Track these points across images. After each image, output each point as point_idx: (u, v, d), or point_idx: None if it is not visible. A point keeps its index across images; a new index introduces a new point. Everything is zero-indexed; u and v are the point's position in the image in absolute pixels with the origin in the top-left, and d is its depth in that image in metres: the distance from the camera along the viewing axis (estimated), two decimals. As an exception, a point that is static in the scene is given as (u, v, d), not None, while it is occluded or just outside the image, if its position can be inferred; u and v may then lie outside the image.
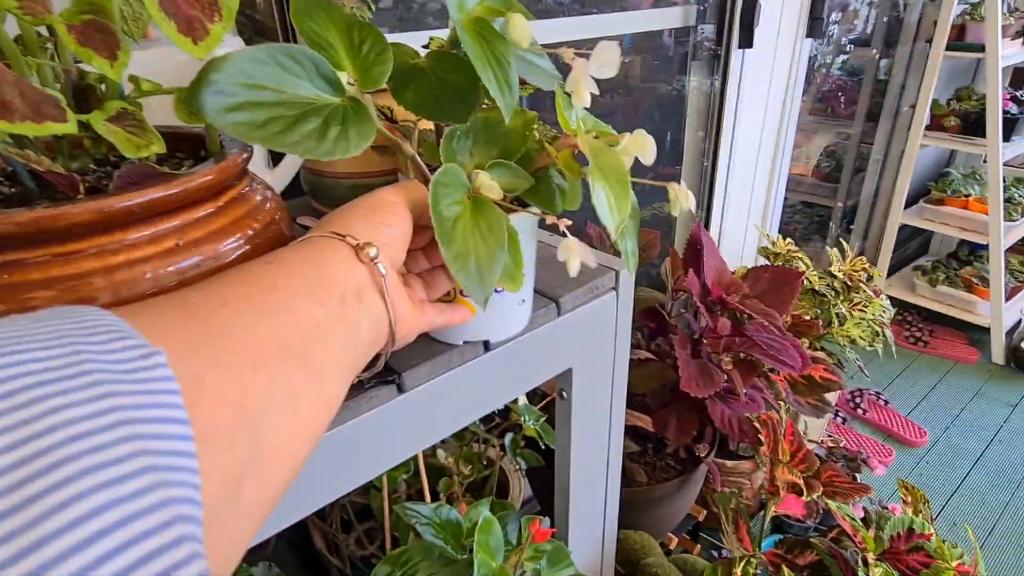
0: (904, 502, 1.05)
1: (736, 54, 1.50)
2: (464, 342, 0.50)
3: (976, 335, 2.32)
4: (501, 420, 1.02)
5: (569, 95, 0.42)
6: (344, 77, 0.39)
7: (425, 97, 0.43)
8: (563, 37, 1.25)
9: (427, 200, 0.35)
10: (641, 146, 0.43)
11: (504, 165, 0.44)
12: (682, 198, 0.45)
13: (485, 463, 0.85)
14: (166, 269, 0.31)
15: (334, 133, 0.36)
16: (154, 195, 0.29)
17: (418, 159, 0.46)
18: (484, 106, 0.46)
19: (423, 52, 0.46)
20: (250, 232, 0.35)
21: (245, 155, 0.35)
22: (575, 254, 0.41)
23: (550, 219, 0.43)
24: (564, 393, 0.62)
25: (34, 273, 0.28)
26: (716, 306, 1.01)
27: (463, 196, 0.40)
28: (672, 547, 1.17)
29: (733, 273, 1.08)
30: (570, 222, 0.43)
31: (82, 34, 0.28)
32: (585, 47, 0.41)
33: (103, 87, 0.33)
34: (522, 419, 0.79)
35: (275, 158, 0.72)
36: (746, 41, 1.47)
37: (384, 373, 0.47)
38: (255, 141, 0.33)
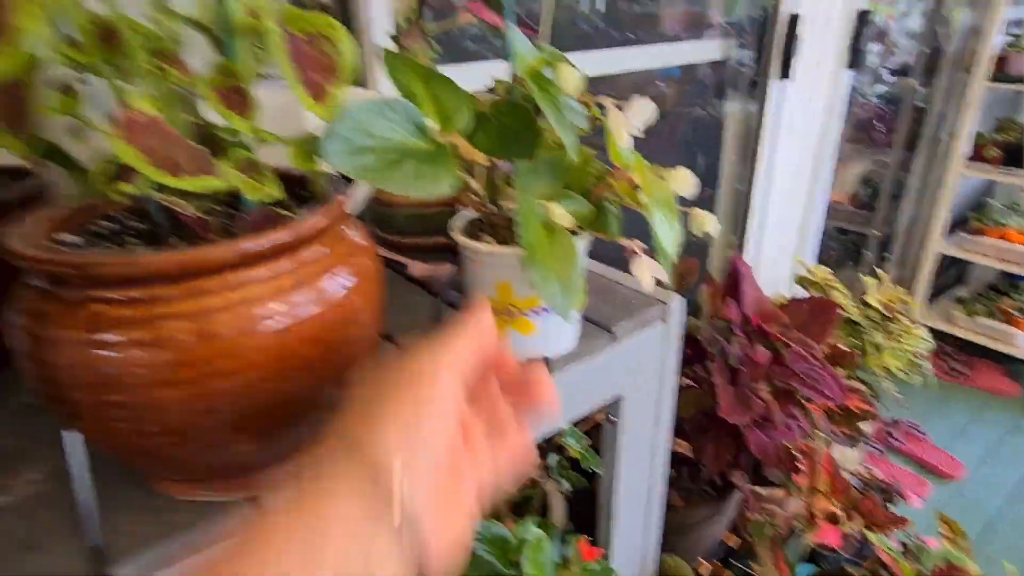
0: (942, 535, 1.05)
1: (775, 84, 1.52)
2: (527, 359, 0.53)
3: (1015, 367, 2.28)
4: (545, 442, 1.04)
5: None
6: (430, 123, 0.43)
7: (492, 139, 0.47)
8: (605, 70, 1.29)
9: (479, 341, 0.32)
10: (682, 181, 0.48)
11: (570, 196, 0.48)
12: (704, 222, 0.49)
13: (529, 483, 0.88)
14: (280, 304, 0.34)
15: (426, 173, 0.40)
16: (278, 238, 0.33)
17: (482, 196, 0.50)
18: (547, 145, 0.49)
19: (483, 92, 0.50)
20: (351, 268, 0.38)
21: (346, 197, 0.39)
22: (647, 269, 0.46)
23: (625, 242, 0.47)
24: (613, 418, 0.64)
25: (172, 307, 0.32)
26: (755, 335, 1.02)
27: (540, 224, 0.44)
28: (704, 573, 1.18)
29: (772, 302, 1.10)
30: (643, 244, 0.48)
31: (225, 97, 0.32)
32: (625, 80, 0.45)
33: (227, 136, 0.37)
34: (567, 441, 0.81)
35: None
36: (785, 72, 1.49)
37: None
38: (368, 181, 0.37)
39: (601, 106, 0.48)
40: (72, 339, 0.32)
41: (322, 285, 0.36)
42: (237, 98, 0.33)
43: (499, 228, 0.52)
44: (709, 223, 0.49)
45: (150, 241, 0.38)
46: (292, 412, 0.37)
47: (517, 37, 0.49)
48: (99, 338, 0.31)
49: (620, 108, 0.50)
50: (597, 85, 1.43)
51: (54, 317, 0.32)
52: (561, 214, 0.44)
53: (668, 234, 0.46)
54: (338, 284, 0.37)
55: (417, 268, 0.67)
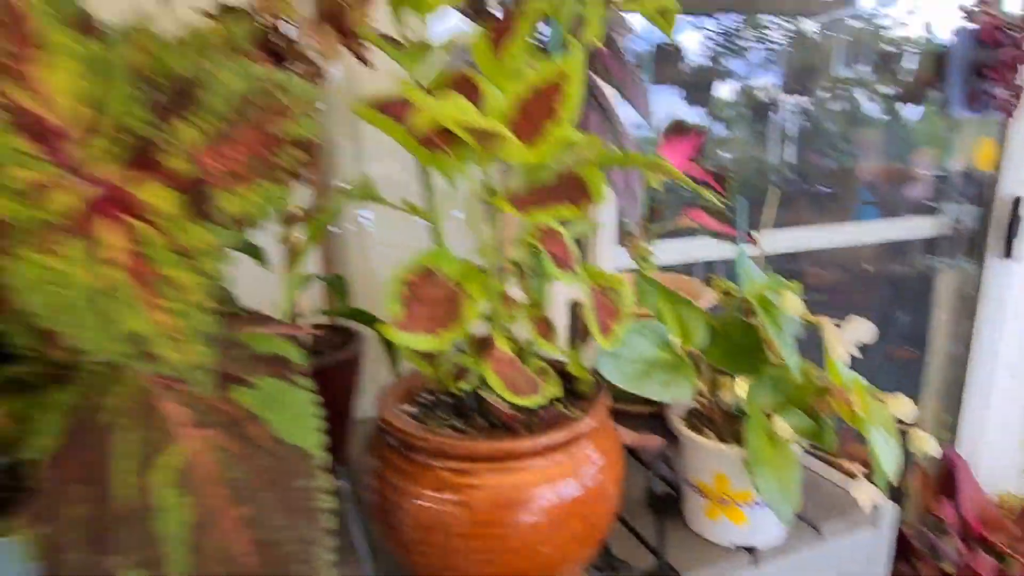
0: None
1: (995, 261, 1.44)
2: (736, 546, 0.57)
3: None
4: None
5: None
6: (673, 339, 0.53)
7: (723, 354, 0.55)
8: (811, 245, 1.33)
9: None
10: (901, 406, 0.51)
11: (792, 410, 0.54)
12: (924, 444, 0.51)
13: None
14: (552, 487, 0.44)
15: (671, 381, 0.49)
16: (563, 438, 0.44)
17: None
18: (773, 361, 0.56)
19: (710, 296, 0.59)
20: (603, 451, 0.47)
21: (609, 398, 0.49)
22: (867, 493, 0.49)
23: (845, 465, 0.51)
24: (815, 617, 0.64)
25: (479, 478, 0.43)
26: (976, 542, 0.94)
27: (764, 434, 0.51)
28: None
29: (997, 505, 1.00)
30: (864, 468, 0.52)
31: (537, 324, 0.44)
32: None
33: (525, 347, 0.49)
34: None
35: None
36: (1008, 251, 1.42)
37: (665, 569, 0.56)
38: (628, 388, 0.47)
39: (819, 325, 0.55)
40: (412, 491, 0.44)
41: (584, 471, 0.46)
42: (544, 326, 0.45)
43: (718, 423, 0.58)
44: (929, 445, 0.52)
45: (456, 413, 0.50)
46: (552, 568, 0.46)
47: (746, 263, 0.59)
48: (430, 493, 0.43)
49: (837, 326, 0.56)
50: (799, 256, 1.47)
51: (404, 471, 0.45)
52: (783, 426, 0.51)
53: (886, 454, 0.49)
54: (595, 467, 0.47)
55: (627, 437, 0.74)
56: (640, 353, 0.50)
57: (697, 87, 2.20)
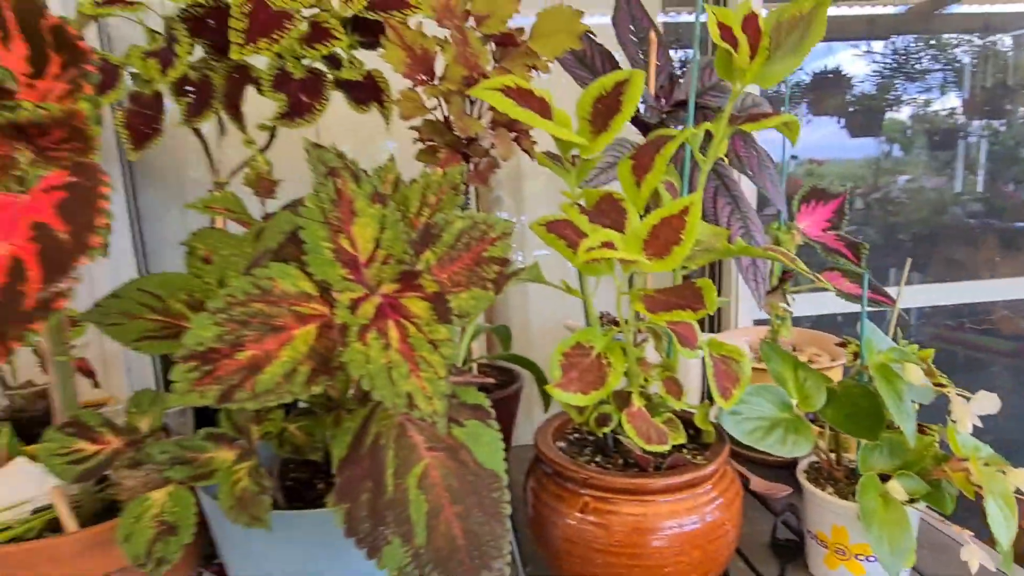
0: None
1: None
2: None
3: None
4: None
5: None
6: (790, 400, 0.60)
7: (840, 415, 0.61)
8: (958, 299, 1.27)
9: None
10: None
11: (908, 475, 0.58)
12: None
13: None
14: (676, 521, 0.53)
15: (790, 439, 0.57)
16: (682, 478, 0.53)
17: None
18: (889, 428, 0.61)
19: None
20: (723, 492, 0.56)
21: (729, 449, 0.58)
22: (976, 557, 0.53)
23: (956, 529, 0.55)
24: None
25: (617, 507, 0.54)
26: None
27: (878, 495, 0.56)
28: None
29: None
30: (972, 532, 0.55)
31: (667, 384, 0.54)
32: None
33: (656, 400, 0.59)
34: None
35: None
36: None
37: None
38: (750, 443, 0.55)
39: (947, 395, 0.59)
40: (563, 511, 0.56)
41: (704, 509, 0.55)
42: (673, 385, 0.55)
43: (839, 479, 0.64)
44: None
45: (598, 451, 0.62)
46: (674, 591, 0.55)
47: (873, 330, 0.64)
48: (578, 516, 0.55)
49: (965, 398, 0.59)
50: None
51: (556, 495, 0.57)
52: (897, 489, 0.56)
53: (1003, 527, 0.52)
54: (714, 506, 0.55)
55: (757, 484, 0.80)
56: (760, 412, 0.58)
57: (863, 116, 2.12)
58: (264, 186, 0.58)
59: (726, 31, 0.50)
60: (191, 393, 0.34)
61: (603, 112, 0.50)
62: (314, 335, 0.38)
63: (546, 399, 0.87)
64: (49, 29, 0.47)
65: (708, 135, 0.54)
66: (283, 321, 0.38)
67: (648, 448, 0.50)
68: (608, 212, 0.48)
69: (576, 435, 0.65)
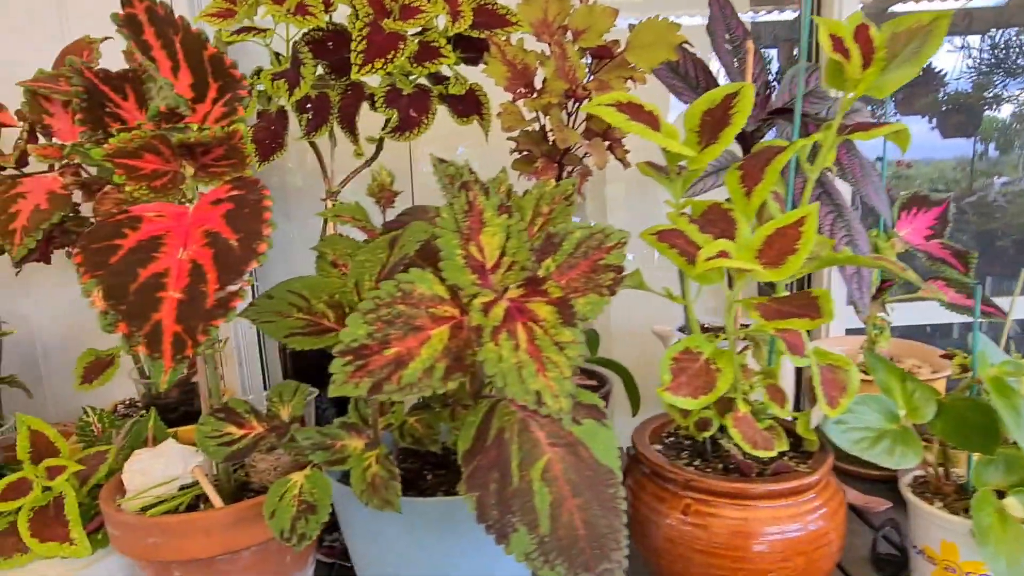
0: None
1: None
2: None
3: None
4: None
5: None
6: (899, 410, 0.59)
7: (950, 428, 0.60)
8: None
9: None
10: None
11: (1024, 492, 0.57)
12: None
13: None
14: (778, 527, 0.54)
15: (897, 449, 0.56)
16: (787, 485, 0.54)
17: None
18: (1005, 442, 0.59)
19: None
20: (826, 502, 0.56)
21: (831, 455, 0.57)
22: None
23: None
24: None
25: (718, 510, 0.55)
26: None
27: (993, 510, 0.55)
28: None
29: None
30: None
31: (771, 391, 0.55)
32: None
33: (758, 409, 0.60)
34: None
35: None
36: None
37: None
38: (855, 453, 0.55)
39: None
40: (663, 512, 0.57)
41: (807, 517, 0.55)
42: (776, 393, 0.56)
43: (947, 493, 0.62)
44: None
45: (695, 454, 0.63)
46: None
47: (985, 342, 0.62)
48: (679, 518, 0.56)
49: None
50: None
51: (657, 495, 0.58)
52: (1015, 506, 0.54)
53: None
54: (817, 515, 0.55)
55: (855, 496, 0.79)
56: (866, 422, 0.57)
57: (957, 114, 2.01)
58: (387, 196, 0.63)
59: (837, 42, 0.50)
60: (347, 384, 0.38)
61: (711, 124, 0.51)
62: (447, 335, 0.42)
63: (635, 402, 0.88)
64: (209, 59, 0.53)
65: (813, 143, 0.55)
66: (421, 322, 0.41)
67: (754, 452, 0.51)
68: (716, 222, 0.49)
69: (671, 439, 0.67)
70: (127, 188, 0.47)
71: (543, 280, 0.42)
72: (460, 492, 0.42)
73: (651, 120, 0.50)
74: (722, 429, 0.57)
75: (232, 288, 0.40)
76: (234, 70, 0.54)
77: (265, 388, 1.09)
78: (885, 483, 0.84)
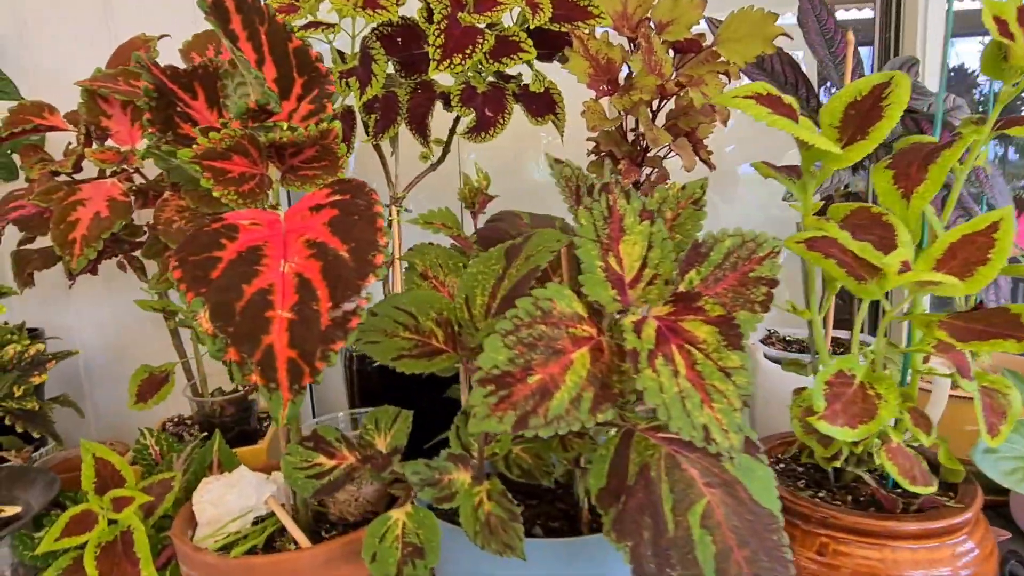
0: None
1: None
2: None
3: None
4: None
5: None
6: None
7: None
8: None
9: None
10: None
11: None
12: None
13: None
14: (923, 573, 0.48)
15: None
16: (938, 524, 0.48)
17: None
18: None
19: None
20: (983, 551, 0.50)
21: (979, 491, 0.51)
22: None
23: None
24: None
25: (849, 548, 0.49)
26: None
27: None
28: None
29: None
30: None
31: (913, 416, 0.49)
32: None
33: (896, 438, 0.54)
34: None
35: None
36: None
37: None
38: (1009, 485, 0.49)
39: None
40: (796, 553, 0.51)
41: (959, 562, 0.49)
42: (919, 418, 0.50)
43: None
44: None
45: (812, 482, 0.57)
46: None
47: None
48: (815, 558, 0.50)
49: None
50: None
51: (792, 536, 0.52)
52: None
53: None
54: (969, 559, 0.49)
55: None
56: (1017, 451, 0.51)
57: None
58: (482, 201, 0.58)
59: (1002, 25, 0.45)
60: (490, 419, 0.33)
61: (857, 119, 0.45)
62: (588, 358, 0.36)
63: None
64: (294, 51, 0.48)
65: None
66: (562, 344, 0.36)
67: (913, 488, 0.46)
68: (869, 227, 0.44)
69: (781, 465, 0.61)
70: (215, 193, 0.42)
71: (696, 296, 0.37)
72: (609, 539, 0.36)
73: (791, 114, 0.45)
74: (852, 459, 0.51)
75: (348, 306, 0.35)
76: (320, 64, 0.49)
77: (313, 409, 1.04)
78: (993, 508, 0.77)
